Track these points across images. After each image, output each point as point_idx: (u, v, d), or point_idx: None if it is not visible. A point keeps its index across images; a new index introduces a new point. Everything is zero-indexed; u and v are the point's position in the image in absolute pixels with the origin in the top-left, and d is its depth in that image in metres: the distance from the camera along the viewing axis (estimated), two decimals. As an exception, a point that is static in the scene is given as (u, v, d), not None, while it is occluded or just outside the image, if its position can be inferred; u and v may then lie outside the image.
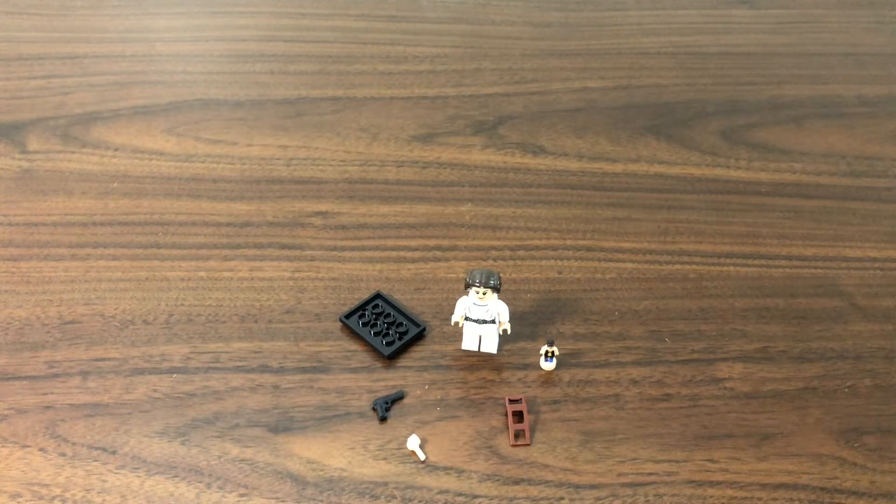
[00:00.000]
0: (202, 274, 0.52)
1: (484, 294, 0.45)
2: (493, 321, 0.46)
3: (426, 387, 0.46)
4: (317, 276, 0.52)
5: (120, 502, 0.41)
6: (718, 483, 0.41)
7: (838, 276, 0.53)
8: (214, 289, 0.51)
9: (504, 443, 0.44)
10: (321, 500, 0.41)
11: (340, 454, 0.43)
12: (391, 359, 0.47)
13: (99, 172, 0.59)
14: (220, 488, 0.41)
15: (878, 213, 0.58)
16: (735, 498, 0.41)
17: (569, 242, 0.55)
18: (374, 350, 0.48)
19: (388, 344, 0.48)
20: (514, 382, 0.47)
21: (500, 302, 0.46)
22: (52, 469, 0.42)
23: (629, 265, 0.53)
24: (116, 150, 0.61)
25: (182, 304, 0.50)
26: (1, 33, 0.72)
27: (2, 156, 0.60)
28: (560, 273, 0.53)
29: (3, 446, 0.43)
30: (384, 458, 0.43)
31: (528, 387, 0.46)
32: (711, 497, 0.41)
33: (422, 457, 0.43)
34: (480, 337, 0.47)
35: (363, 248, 0.54)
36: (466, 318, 0.46)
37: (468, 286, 0.45)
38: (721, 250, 0.55)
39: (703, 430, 0.44)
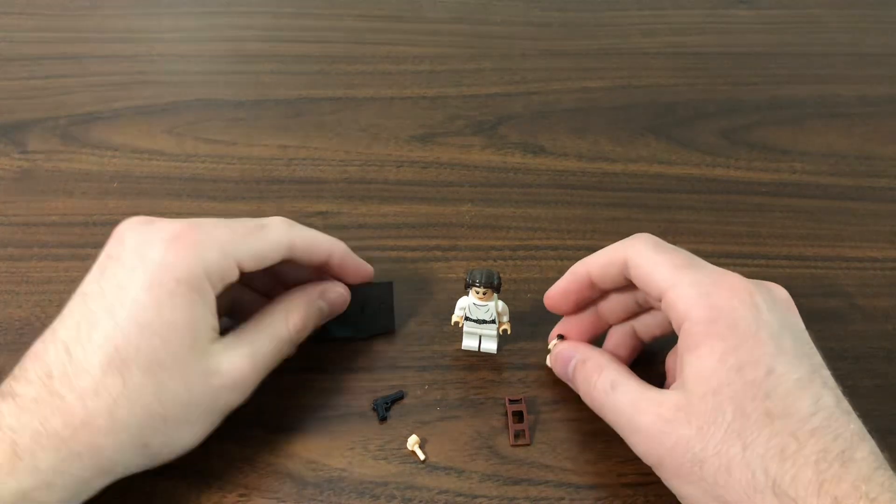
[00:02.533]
0: (202, 274, 0.52)
1: (484, 294, 0.45)
2: (493, 321, 0.46)
3: (426, 387, 0.46)
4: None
5: (120, 502, 0.41)
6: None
7: (838, 276, 0.53)
8: (214, 289, 0.51)
9: (504, 443, 0.44)
10: (321, 500, 0.41)
11: (340, 454, 0.43)
12: (391, 360, 0.47)
13: (99, 172, 0.59)
14: (220, 488, 0.41)
15: (878, 213, 0.58)
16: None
17: (569, 242, 0.55)
18: (374, 350, 0.48)
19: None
20: (514, 382, 0.47)
21: (501, 302, 0.46)
22: (52, 469, 0.42)
23: (629, 265, 0.53)
24: (116, 150, 0.61)
25: (182, 304, 0.50)
26: (1, 33, 0.72)
27: (2, 156, 0.60)
28: (560, 273, 0.52)
29: (2, 446, 0.43)
30: (384, 458, 0.43)
31: (528, 387, 0.46)
32: (711, 497, 0.41)
33: (422, 457, 0.43)
34: (480, 337, 0.47)
35: (363, 248, 0.54)
36: (466, 318, 0.46)
37: (468, 286, 0.45)
38: (721, 250, 0.55)
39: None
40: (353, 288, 0.48)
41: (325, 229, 0.55)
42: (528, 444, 0.44)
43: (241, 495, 0.41)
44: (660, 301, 0.39)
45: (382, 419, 0.44)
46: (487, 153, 0.62)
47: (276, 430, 0.44)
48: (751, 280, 0.39)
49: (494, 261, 0.53)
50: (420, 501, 0.41)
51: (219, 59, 0.70)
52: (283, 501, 0.41)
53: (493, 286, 0.44)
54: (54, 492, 0.35)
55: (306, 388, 0.46)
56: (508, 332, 0.47)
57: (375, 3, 0.77)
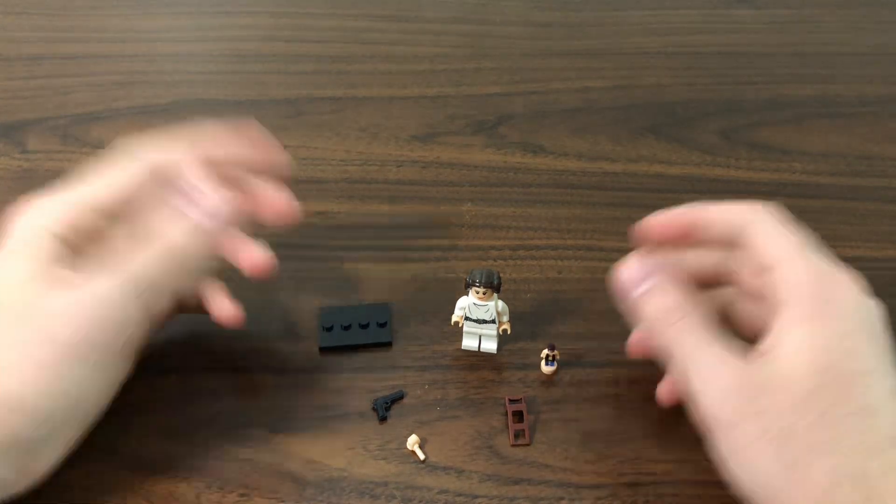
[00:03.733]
0: (202, 274, 0.52)
1: (484, 294, 0.45)
2: (493, 321, 0.46)
3: (426, 387, 0.46)
4: (317, 276, 0.52)
5: (119, 501, 0.41)
6: (719, 482, 0.41)
7: (838, 276, 0.53)
8: (214, 289, 0.51)
9: (504, 443, 0.44)
10: (321, 500, 0.41)
11: (340, 454, 0.43)
12: (391, 360, 0.47)
13: (99, 172, 0.59)
14: (220, 488, 0.41)
15: (878, 213, 0.58)
16: (736, 497, 0.41)
17: (569, 242, 0.55)
18: (373, 350, 0.48)
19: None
20: (514, 382, 0.47)
21: (501, 302, 0.46)
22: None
23: (629, 265, 0.53)
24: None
25: (182, 304, 0.50)
26: (1, 33, 0.72)
27: (2, 156, 0.60)
28: (560, 273, 0.53)
29: (2, 446, 0.43)
30: (384, 458, 0.43)
31: (528, 387, 0.46)
32: (712, 496, 0.41)
33: (422, 457, 0.43)
34: (480, 337, 0.47)
35: (363, 248, 0.54)
36: (466, 318, 0.46)
37: (468, 286, 0.45)
38: (721, 250, 0.54)
39: (704, 430, 0.44)
40: (351, 307, 0.49)
41: (326, 229, 0.55)
42: (528, 444, 0.44)
43: (241, 495, 0.41)
44: (762, 271, 0.39)
45: (382, 419, 0.44)
46: (487, 153, 0.62)
47: (276, 430, 0.44)
48: None
49: (494, 261, 0.53)
50: (420, 501, 0.41)
51: (219, 59, 0.70)
52: (283, 501, 0.41)
53: (493, 286, 0.44)
54: None
55: (306, 388, 0.46)
56: (508, 331, 0.47)
57: (375, 3, 0.77)
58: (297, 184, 0.59)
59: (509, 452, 0.44)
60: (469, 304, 0.46)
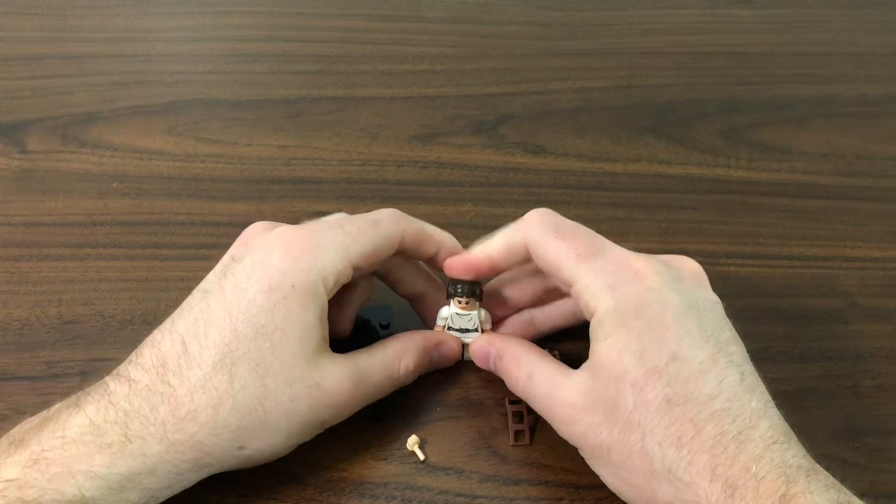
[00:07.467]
0: (202, 274, 0.51)
1: (467, 303, 0.44)
2: (476, 330, 0.45)
3: (426, 387, 0.46)
4: (317, 276, 0.52)
5: (120, 502, 0.41)
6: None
7: (838, 276, 0.53)
8: (214, 289, 0.51)
9: (504, 443, 0.44)
10: (321, 501, 0.41)
11: (340, 454, 0.43)
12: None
13: (99, 172, 0.59)
14: (220, 489, 0.41)
15: (878, 213, 0.58)
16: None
17: (569, 242, 0.55)
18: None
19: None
20: (514, 382, 0.47)
21: (483, 310, 0.45)
22: (52, 469, 0.42)
23: (629, 265, 0.53)
24: (116, 150, 0.61)
25: (182, 304, 0.50)
26: (1, 33, 0.72)
27: (2, 156, 0.60)
28: (560, 273, 0.53)
29: (2, 446, 0.43)
30: (384, 459, 0.43)
31: (528, 387, 0.46)
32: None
33: (422, 457, 0.43)
34: (464, 346, 0.47)
35: (363, 248, 0.54)
36: (448, 328, 0.46)
37: (450, 296, 0.45)
38: (721, 250, 0.55)
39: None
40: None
41: (325, 229, 0.55)
42: (527, 444, 0.44)
43: (241, 495, 0.41)
44: (569, 287, 0.40)
45: (382, 419, 0.44)
46: (487, 153, 0.61)
47: (276, 431, 0.44)
48: (658, 258, 0.40)
49: (494, 261, 0.53)
50: (420, 501, 0.41)
51: (218, 59, 0.70)
52: (283, 502, 0.41)
53: (475, 295, 0.44)
54: (156, 478, 0.36)
55: (306, 389, 0.46)
56: None
57: (375, 3, 0.77)
58: (296, 184, 0.59)
59: (509, 452, 0.43)
60: (451, 315, 0.45)
